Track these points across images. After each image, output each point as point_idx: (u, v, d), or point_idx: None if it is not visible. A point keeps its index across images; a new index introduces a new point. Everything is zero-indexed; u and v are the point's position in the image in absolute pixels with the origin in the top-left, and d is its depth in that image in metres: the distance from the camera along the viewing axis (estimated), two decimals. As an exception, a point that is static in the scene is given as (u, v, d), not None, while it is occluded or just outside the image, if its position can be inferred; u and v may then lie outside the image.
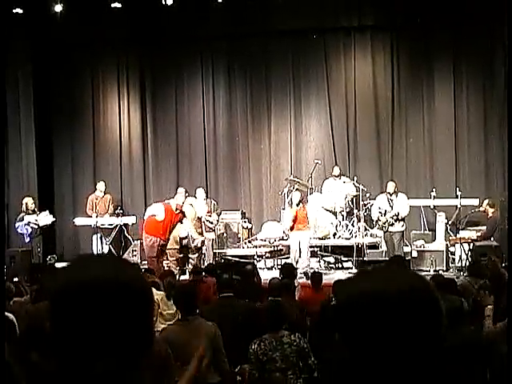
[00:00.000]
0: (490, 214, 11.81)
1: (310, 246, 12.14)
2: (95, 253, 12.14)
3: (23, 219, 12.82)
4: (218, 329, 5.30)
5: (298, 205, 12.20)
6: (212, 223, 12.64)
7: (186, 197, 12.23)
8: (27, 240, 12.74)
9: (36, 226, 12.88)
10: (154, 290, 5.74)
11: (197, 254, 11.88)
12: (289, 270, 8.58)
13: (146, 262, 11.78)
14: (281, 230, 13.15)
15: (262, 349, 5.33)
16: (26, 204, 13.01)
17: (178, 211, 11.68)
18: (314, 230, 12.86)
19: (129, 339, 1.34)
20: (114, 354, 1.32)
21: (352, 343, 1.33)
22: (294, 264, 10.74)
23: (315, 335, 6.12)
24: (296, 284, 8.59)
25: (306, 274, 11.14)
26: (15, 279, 9.88)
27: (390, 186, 12.33)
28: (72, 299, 1.33)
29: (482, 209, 12.06)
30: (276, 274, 11.04)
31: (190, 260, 11.79)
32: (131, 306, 1.34)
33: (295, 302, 7.44)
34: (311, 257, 12.24)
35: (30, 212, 12.96)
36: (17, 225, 12.81)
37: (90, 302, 1.32)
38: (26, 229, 12.73)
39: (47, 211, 13.25)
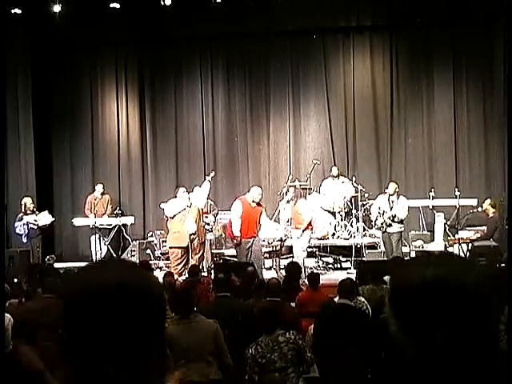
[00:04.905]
0: (491, 214, 11.74)
1: (309, 247, 12.09)
2: (105, 258, 11.99)
3: (22, 219, 12.75)
4: (218, 325, 5.33)
5: (288, 202, 12.19)
6: (209, 224, 12.59)
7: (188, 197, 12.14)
8: (25, 240, 12.69)
9: (35, 227, 12.82)
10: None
11: (199, 255, 11.69)
12: (293, 270, 8.56)
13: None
14: (280, 231, 13.11)
15: (259, 352, 5.32)
16: (25, 204, 12.93)
17: (254, 204, 11.22)
18: (314, 230, 12.83)
19: (141, 344, 1.34)
20: (124, 358, 1.32)
21: (414, 332, 1.30)
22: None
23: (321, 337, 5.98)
24: (301, 283, 8.61)
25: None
26: (15, 280, 9.87)
27: (391, 187, 11.95)
28: (86, 304, 1.33)
29: (481, 209, 12.03)
30: (275, 274, 11.09)
31: (191, 261, 11.62)
32: (144, 311, 1.34)
33: (294, 303, 7.42)
34: (309, 257, 12.18)
35: (29, 212, 12.89)
36: (16, 224, 12.75)
37: (103, 306, 1.32)
38: (25, 229, 12.67)
39: (46, 211, 13.21)
